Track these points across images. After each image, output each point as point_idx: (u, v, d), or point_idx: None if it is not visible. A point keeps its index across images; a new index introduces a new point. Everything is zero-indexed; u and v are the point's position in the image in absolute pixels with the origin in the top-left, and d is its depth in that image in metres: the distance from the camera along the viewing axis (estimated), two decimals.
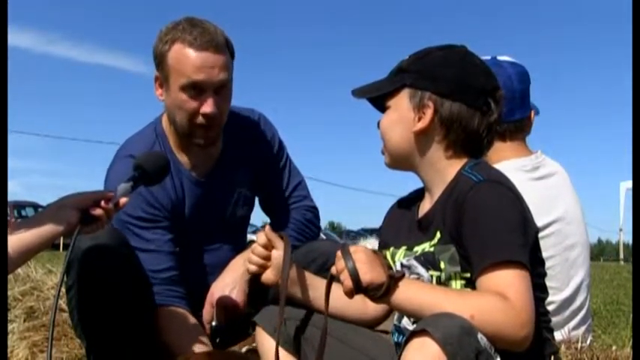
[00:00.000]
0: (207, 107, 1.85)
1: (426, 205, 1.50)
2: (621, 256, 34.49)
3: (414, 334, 1.13)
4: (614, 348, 1.83)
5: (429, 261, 1.39)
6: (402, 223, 1.56)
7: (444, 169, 1.44)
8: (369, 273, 1.25)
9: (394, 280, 1.25)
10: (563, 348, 1.82)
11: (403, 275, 1.29)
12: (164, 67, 1.89)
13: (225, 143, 2.07)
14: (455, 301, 1.22)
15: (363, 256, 1.27)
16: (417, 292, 1.26)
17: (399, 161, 1.52)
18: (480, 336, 1.13)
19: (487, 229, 1.29)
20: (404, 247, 1.48)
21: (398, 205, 1.64)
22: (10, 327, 2.56)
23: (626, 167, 1.69)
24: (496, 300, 1.20)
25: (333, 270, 1.33)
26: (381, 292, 1.24)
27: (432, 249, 1.39)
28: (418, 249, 1.43)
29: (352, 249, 1.30)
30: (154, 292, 1.86)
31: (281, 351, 1.55)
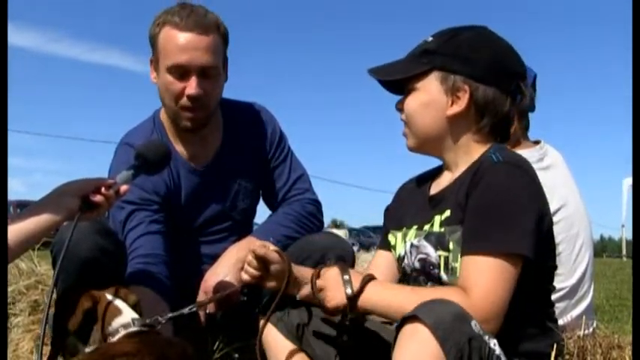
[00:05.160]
0: (191, 89, 1.86)
1: (443, 183, 1.48)
2: (624, 252, 34.38)
3: (406, 319, 1.13)
4: (616, 335, 1.83)
5: (439, 241, 1.38)
6: (413, 201, 1.55)
7: (470, 152, 1.43)
8: (332, 298, 1.35)
9: (358, 292, 1.32)
10: (565, 337, 1.82)
11: (364, 286, 1.33)
12: (155, 50, 1.91)
13: (225, 134, 2.07)
14: (415, 300, 1.19)
15: (328, 286, 1.37)
16: (380, 298, 1.31)
17: (425, 144, 1.49)
18: (473, 322, 1.12)
19: (485, 212, 1.28)
20: (415, 227, 1.47)
21: (409, 184, 1.63)
22: (15, 320, 2.57)
23: (630, 164, 1.69)
24: (454, 296, 1.20)
25: (304, 292, 1.45)
26: (345, 310, 1.33)
27: (442, 229, 1.38)
28: (427, 227, 1.43)
29: (323, 275, 1.39)
30: (127, 269, 1.80)
31: (284, 340, 1.56)
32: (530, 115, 2.26)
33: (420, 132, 1.47)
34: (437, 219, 1.40)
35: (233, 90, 2.04)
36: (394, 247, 1.55)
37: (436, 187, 1.50)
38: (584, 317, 2.00)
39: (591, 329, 2.02)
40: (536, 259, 1.28)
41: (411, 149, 1.52)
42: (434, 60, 1.43)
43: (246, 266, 1.50)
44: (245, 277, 1.51)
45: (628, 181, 28.22)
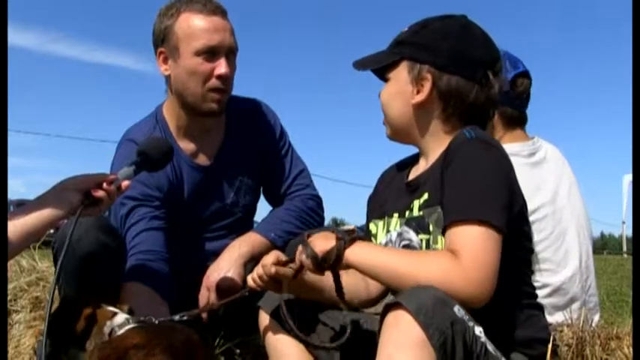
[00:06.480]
0: (222, 68, 1.89)
1: (419, 169, 1.51)
2: (624, 249, 34.37)
3: (389, 307, 1.14)
4: (614, 326, 1.83)
5: (420, 225, 1.40)
6: (393, 189, 1.57)
7: (441, 139, 1.44)
8: (320, 245, 1.32)
9: (346, 243, 1.30)
10: (565, 329, 1.82)
11: (354, 239, 1.32)
12: (171, 39, 1.91)
13: (227, 130, 2.08)
14: (405, 260, 1.23)
15: (316, 237, 1.35)
16: (369, 254, 1.30)
17: (398, 133, 1.53)
18: (457, 307, 1.13)
19: (465, 184, 1.28)
20: (396, 215, 1.49)
21: (388, 172, 1.65)
22: (16, 317, 2.58)
23: (630, 160, 1.70)
24: (445, 259, 1.21)
25: (298, 260, 1.38)
26: (333, 256, 1.29)
27: (421, 212, 1.40)
28: (408, 213, 1.44)
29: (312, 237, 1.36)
30: (127, 264, 1.80)
31: (284, 334, 1.56)
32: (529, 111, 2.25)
33: (392, 121, 1.51)
34: (416, 204, 1.42)
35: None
36: (375, 236, 1.55)
37: (414, 174, 1.52)
38: (583, 309, 2.00)
39: (591, 322, 2.02)
40: (510, 236, 1.27)
41: (389, 138, 1.56)
42: (403, 50, 1.47)
43: (255, 276, 1.49)
44: (252, 284, 1.51)
45: (628, 178, 28.21)
